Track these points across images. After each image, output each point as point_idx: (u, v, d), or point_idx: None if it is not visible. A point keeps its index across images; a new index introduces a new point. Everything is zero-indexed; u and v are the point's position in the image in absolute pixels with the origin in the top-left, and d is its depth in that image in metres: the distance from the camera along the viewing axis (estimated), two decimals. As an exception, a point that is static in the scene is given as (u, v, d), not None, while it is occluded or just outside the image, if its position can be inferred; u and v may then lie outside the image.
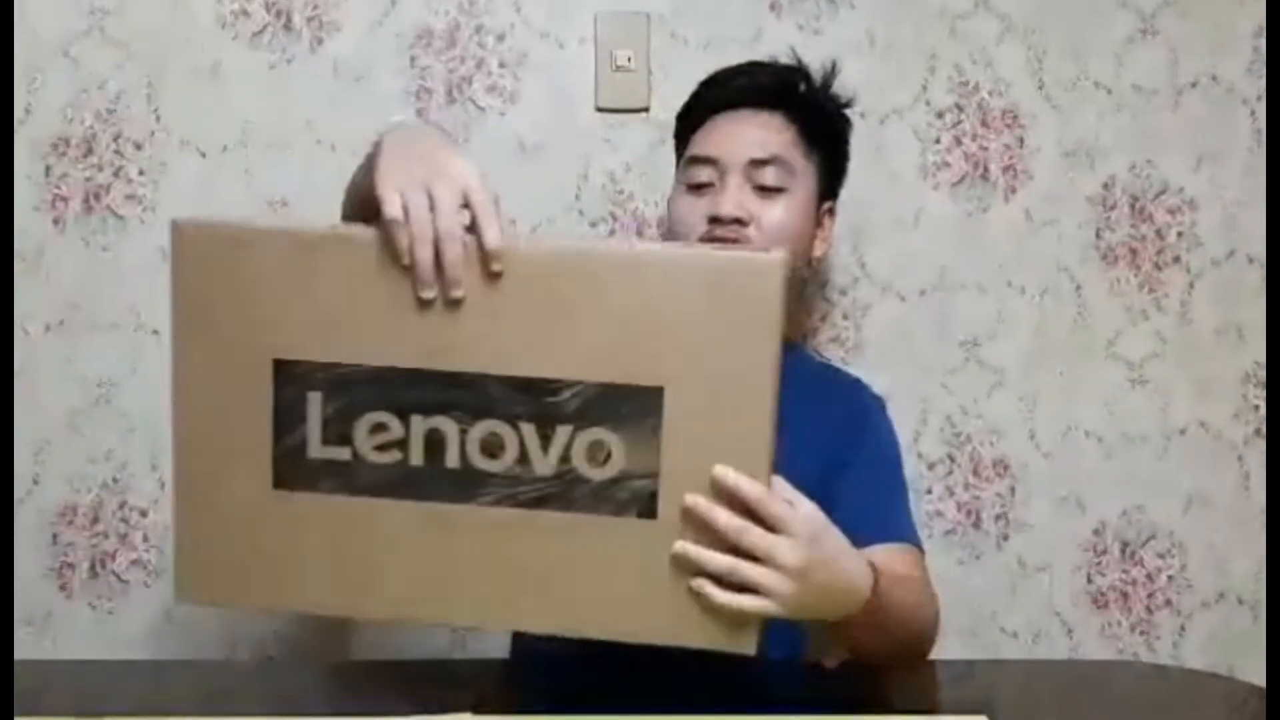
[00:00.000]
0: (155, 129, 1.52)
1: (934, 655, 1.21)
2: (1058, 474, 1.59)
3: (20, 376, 1.52)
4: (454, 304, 0.85)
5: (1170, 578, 1.61)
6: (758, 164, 1.22)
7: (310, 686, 1.14)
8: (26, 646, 1.52)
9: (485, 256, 0.84)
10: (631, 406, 0.84)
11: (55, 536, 1.55)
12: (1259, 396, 1.59)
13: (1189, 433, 1.60)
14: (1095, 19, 1.56)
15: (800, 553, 0.84)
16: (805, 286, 1.51)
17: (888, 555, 1.12)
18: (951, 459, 1.59)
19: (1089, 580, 1.60)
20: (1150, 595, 1.61)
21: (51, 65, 1.51)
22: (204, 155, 1.53)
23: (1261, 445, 1.59)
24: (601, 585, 0.87)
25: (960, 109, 1.57)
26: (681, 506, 0.84)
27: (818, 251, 1.32)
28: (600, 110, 1.54)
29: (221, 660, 1.54)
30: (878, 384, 1.38)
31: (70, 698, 1.01)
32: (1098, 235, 1.58)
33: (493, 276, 0.84)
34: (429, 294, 0.84)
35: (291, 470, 0.88)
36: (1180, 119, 1.58)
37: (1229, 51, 1.57)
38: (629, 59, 1.52)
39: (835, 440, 1.22)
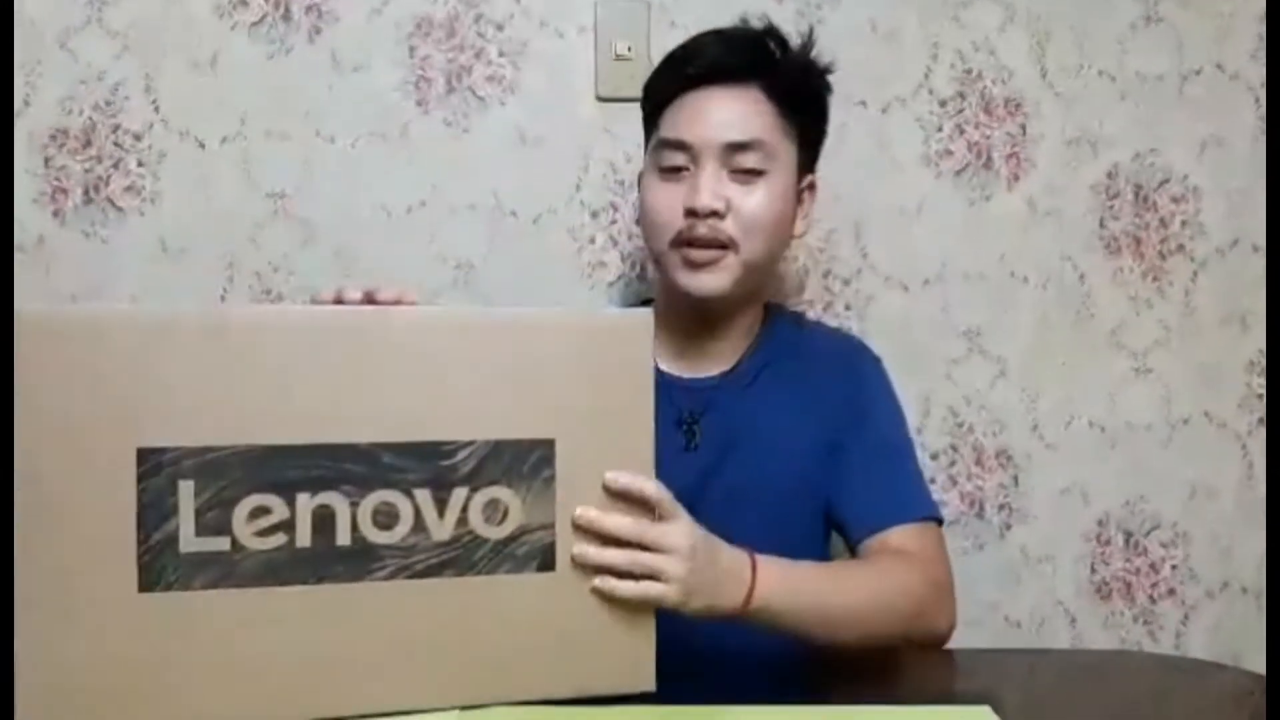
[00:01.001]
0: (154, 120, 1.52)
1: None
2: (1061, 464, 1.59)
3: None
4: (337, 376, 0.84)
5: (1174, 567, 1.60)
6: (735, 148, 1.15)
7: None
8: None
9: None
10: (526, 460, 0.87)
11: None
12: (1263, 385, 1.58)
13: (1193, 422, 1.59)
14: (1099, 6, 1.56)
15: (689, 534, 0.92)
16: (787, 264, 1.50)
17: (901, 537, 1.15)
18: (954, 449, 1.58)
19: (1092, 570, 1.60)
20: (1154, 585, 1.60)
21: (50, 57, 1.50)
22: (203, 146, 1.52)
23: (1264, 434, 1.58)
24: (506, 647, 0.87)
25: (963, 97, 1.56)
26: (573, 518, 0.88)
27: (799, 230, 1.25)
28: (601, 100, 1.53)
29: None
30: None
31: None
32: (1101, 224, 1.58)
33: (379, 343, 0.85)
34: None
35: (160, 569, 0.81)
36: (1184, 107, 1.57)
37: (1233, 38, 1.56)
38: (629, 48, 1.51)
39: (833, 419, 1.22)
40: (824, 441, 1.21)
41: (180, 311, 0.84)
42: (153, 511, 0.81)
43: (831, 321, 1.54)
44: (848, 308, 1.56)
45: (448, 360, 0.87)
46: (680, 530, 0.92)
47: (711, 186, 1.14)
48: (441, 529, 0.86)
